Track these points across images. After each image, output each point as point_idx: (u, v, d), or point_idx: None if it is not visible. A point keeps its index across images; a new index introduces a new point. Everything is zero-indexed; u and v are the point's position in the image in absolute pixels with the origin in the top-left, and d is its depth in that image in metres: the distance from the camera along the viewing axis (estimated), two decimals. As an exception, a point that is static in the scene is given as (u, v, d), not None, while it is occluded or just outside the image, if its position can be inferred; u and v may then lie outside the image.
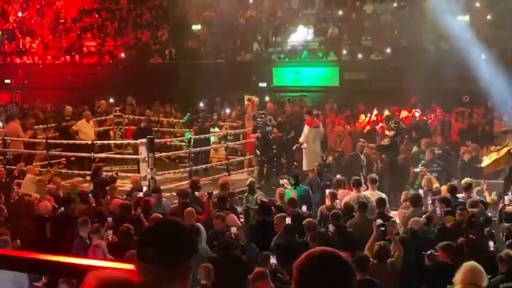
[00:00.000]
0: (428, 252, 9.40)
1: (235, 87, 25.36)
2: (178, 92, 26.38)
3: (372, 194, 12.74)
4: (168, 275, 2.70)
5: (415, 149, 18.09)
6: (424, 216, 11.20)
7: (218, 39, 28.88)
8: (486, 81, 21.49)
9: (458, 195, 12.73)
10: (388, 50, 25.77)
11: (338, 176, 14.31)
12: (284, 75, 26.87)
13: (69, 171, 18.24)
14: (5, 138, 18.29)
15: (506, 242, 10.24)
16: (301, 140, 17.30)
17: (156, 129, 20.57)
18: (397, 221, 11.61)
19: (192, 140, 18.29)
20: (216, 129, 20.45)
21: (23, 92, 30.25)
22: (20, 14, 34.52)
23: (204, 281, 8.46)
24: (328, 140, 19.69)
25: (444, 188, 13.54)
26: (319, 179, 15.05)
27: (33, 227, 11.44)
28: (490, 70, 21.59)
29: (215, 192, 13.24)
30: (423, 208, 12.03)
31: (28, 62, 31.44)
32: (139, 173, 16.09)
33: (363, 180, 13.58)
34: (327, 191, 13.00)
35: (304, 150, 17.22)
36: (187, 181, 15.72)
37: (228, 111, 23.89)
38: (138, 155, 16.49)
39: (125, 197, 13.64)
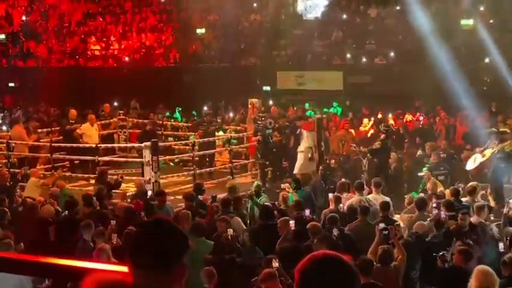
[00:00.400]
0: (441, 253, 9.36)
1: (239, 90, 25.35)
2: (182, 95, 26.39)
3: (375, 198, 12.73)
4: (162, 279, 2.69)
5: (419, 152, 18.08)
6: (428, 220, 11.19)
7: (222, 43, 28.91)
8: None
9: (462, 199, 12.72)
10: (392, 54, 25.75)
11: (342, 179, 14.32)
12: (288, 79, 26.87)
13: (73, 174, 18.25)
14: (9, 141, 18.30)
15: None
16: (303, 147, 17.25)
17: (160, 132, 20.58)
18: (401, 224, 11.58)
19: (196, 144, 18.28)
20: (221, 132, 20.45)
21: (27, 95, 30.26)
22: (24, 18, 34.55)
23: (206, 285, 8.45)
24: (331, 143, 19.70)
25: (448, 191, 13.52)
26: (323, 183, 15.03)
27: (36, 231, 11.43)
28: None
29: (219, 195, 13.24)
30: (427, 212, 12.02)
31: (32, 65, 31.44)
32: (143, 176, 16.09)
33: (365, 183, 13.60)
34: (330, 194, 12.98)
35: (300, 154, 17.19)
36: (191, 184, 15.71)
37: (231, 114, 23.89)
38: (142, 158, 16.49)
39: (129, 200, 13.64)
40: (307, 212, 12.10)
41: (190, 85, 26.59)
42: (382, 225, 10.12)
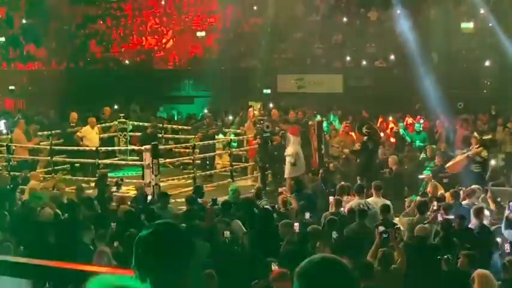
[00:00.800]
0: (445, 256, 9.35)
1: (240, 93, 25.37)
2: (182, 98, 26.42)
3: (375, 201, 12.72)
4: (170, 283, 2.69)
5: (423, 155, 18.11)
6: (425, 222, 11.20)
7: (222, 46, 28.93)
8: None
9: (463, 202, 12.72)
10: (392, 57, 25.77)
11: (342, 182, 14.33)
12: (288, 82, 26.88)
13: (73, 177, 18.26)
14: (9, 144, 18.31)
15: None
16: (289, 152, 17.22)
17: (161, 135, 20.59)
18: (401, 228, 11.58)
19: (195, 146, 18.29)
20: (221, 135, 20.45)
21: (27, 98, 30.29)
22: (24, 21, 34.58)
23: (207, 288, 8.44)
24: (331, 147, 19.71)
25: (448, 194, 13.53)
26: (323, 186, 15.03)
27: (36, 234, 11.41)
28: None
29: (220, 198, 13.26)
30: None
31: (32, 68, 31.46)
32: (143, 179, 16.10)
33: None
34: (331, 197, 12.98)
35: (288, 158, 17.19)
36: (191, 187, 15.71)
37: (231, 117, 23.90)
38: (142, 161, 16.50)
39: (129, 203, 13.65)
40: (307, 215, 12.11)
41: (190, 88, 26.63)
42: (381, 228, 10.12)
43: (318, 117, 20.38)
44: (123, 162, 19.47)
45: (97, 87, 27.56)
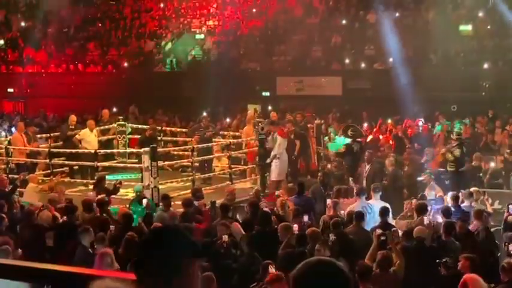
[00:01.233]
0: (444, 260, 9.33)
1: (239, 96, 25.37)
2: (181, 101, 26.40)
3: (375, 204, 12.72)
4: (169, 286, 2.67)
5: (426, 158, 18.14)
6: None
7: (221, 49, 28.95)
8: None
9: (462, 205, 12.73)
10: (391, 59, 25.80)
11: (338, 185, 14.39)
12: (287, 84, 26.89)
13: (72, 180, 18.23)
14: (8, 147, 18.29)
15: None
16: (276, 152, 17.28)
17: (159, 138, 20.57)
18: (399, 230, 11.57)
19: (194, 149, 18.26)
20: (219, 138, 20.42)
21: (26, 101, 30.28)
22: (23, 23, 34.59)
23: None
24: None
25: (447, 197, 13.53)
26: (322, 189, 15.03)
27: (34, 237, 11.40)
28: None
29: (218, 201, 13.25)
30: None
31: (31, 71, 31.46)
32: (142, 182, 16.08)
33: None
34: (328, 200, 12.99)
35: (275, 161, 17.21)
36: (190, 190, 15.69)
37: (228, 120, 23.88)
38: (141, 164, 16.48)
39: (127, 206, 13.64)
40: (305, 217, 12.11)
41: (189, 91, 26.62)
42: (379, 231, 10.12)
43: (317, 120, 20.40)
44: (122, 164, 19.45)
45: (95, 89, 27.56)
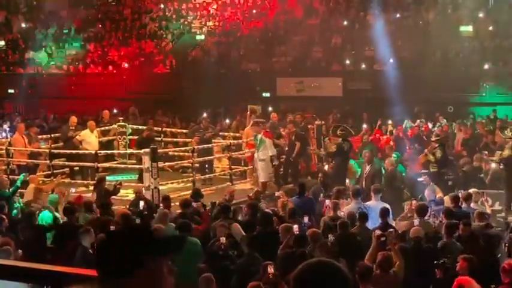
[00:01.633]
0: (441, 261, 9.31)
1: (239, 97, 25.37)
2: (181, 102, 26.40)
3: (374, 204, 12.72)
4: (127, 284, 2.66)
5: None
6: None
7: (222, 50, 28.95)
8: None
9: (462, 206, 12.72)
10: (391, 60, 25.81)
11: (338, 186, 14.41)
12: (287, 85, 26.89)
13: (72, 181, 18.24)
14: (8, 148, 18.30)
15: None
16: (273, 152, 17.33)
17: (159, 139, 20.57)
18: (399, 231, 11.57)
19: (194, 150, 18.27)
20: (219, 139, 20.43)
21: (26, 102, 30.28)
22: (23, 25, 34.60)
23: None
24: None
25: (447, 198, 13.52)
26: (323, 190, 15.03)
27: (34, 237, 11.40)
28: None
29: (218, 201, 13.26)
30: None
31: (32, 71, 31.46)
32: (142, 183, 16.08)
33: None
34: (327, 201, 12.98)
35: (261, 163, 17.23)
36: (191, 191, 15.69)
37: (227, 121, 23.88)
38: (141, 164, 16.48)
39: (127, 206, 13.65)
40: (305, 219, 12.10)
41: (189, 91, 26.62)
42: (378, 232, 10.11)
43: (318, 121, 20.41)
44: (123, 165, 19.45)
45: (96, 90, 27.54)
